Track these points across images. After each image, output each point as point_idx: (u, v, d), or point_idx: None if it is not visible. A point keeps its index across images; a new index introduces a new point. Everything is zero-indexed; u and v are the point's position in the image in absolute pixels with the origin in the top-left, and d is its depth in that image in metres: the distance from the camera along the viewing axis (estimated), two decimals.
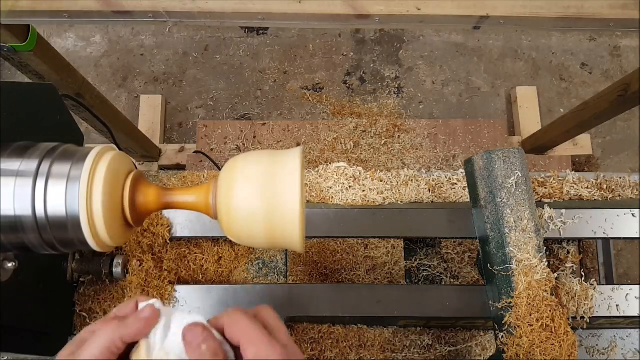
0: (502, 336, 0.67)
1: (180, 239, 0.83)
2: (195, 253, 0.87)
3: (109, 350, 0.38)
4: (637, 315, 0.73)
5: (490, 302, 0.71)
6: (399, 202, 0.83)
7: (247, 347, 0.39)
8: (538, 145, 1.80)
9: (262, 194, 0.42)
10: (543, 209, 0.77)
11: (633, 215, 0.78)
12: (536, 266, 0.67)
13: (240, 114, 2.07)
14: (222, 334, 0.41)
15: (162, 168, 1.87)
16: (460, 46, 2.19)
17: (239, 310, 0.42)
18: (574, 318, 0.72)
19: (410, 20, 1.00)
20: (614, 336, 0.84)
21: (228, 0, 0.99)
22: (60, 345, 0.75)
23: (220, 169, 0.49)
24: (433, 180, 0.86)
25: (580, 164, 1.97)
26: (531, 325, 0.64)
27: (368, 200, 0.83)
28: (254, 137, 1.80)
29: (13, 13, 0.97)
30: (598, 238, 0.78)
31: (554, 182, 0.85)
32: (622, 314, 0.73)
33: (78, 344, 0.39)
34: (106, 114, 1.42)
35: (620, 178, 0.87)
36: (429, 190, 0.85)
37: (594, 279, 0.75)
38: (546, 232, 0.77)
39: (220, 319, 0.41)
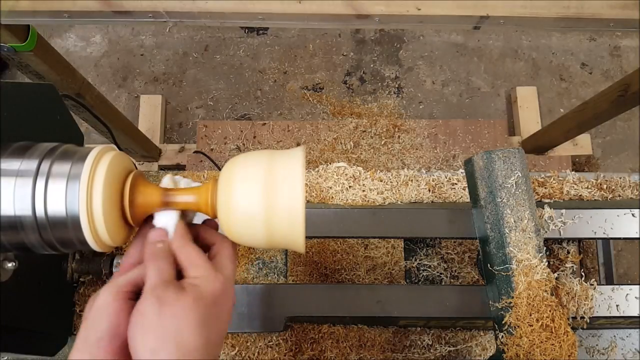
0: (502, 336, 0.67)
1: None
2: None
3: (138, 280, 0.43)
4: (637, 315, 0.73)
5: (490, 302, 0.71)
6: (399, 202, 0.83)
7: (190, 268, 0.43)
8: (538, 145, 1.80)
9: (262, 194, 0.42)
10: (543, 209, 0.77)
11: (633, 215, 0.78)
12: (536, 266, 0.67)
13: (240, 114, 2.07)
14: None
15: (162, 168, 1.87)
16: (460, 46, 2.19)
17: (188, 238, 0.45)
18: (574, 318, 0.72)
19: (410, 20, 1.01)
20: (614, 336, 0.84)
21: (228, 0, 0.99)
22: (61, 345, 0.75)
23: (220, 169, 0.49)
24: (433, 180, 0.86)
25: (580, 164, 1.97)
26: (531, 325, 0.64)
27: (368, 200, 0.83)
28: (254, 137, 1.80)
29: (13, 13, 0.97)
30: (598, 238, 0.78)
31: (554, 182, 0.85)
32: (622, 314, 0.73)
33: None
34: (106, 114, 1.42)
35: (620, 178, 0.87)
36: (429, 190, 0.85)
37: (594, 279, 0.75)
38: (546, 232, 0.77)
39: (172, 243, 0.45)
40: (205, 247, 0.48)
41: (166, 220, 0.46)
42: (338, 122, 1.87)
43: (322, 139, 1.82)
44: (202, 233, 0.48)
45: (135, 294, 0.42)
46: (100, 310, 0.40)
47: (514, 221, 0.69)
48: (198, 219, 0.50)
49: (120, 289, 0.41)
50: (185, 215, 0.48)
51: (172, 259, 0.43)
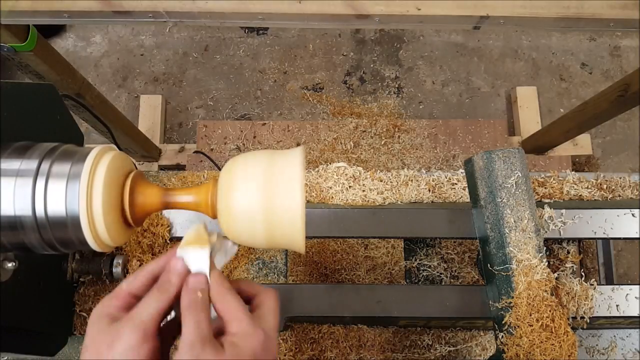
0: (502, 336, 0.67)
1: (180, 239, 0.83)
2: None
3: (162, 311, 0.41)
4: (637, 315, 0.73)
5: (490, 302, 0.71)
6: (399, 202, 0.83)
7: (230, 323, 0.41)
8: (538, 145, 1.80)
9: (262, 194, 0.42)
10: (543, 209, 0.77)
11: (633, 215, 0.78)
12: (536, 266, 0.67)
13: (240, 114, 2.07)
14: None
15: (162, 168, 1.87)
16: (460, 46, 2.19)
17: (227, 287, 0.43)
18: (574, 318, 0.72)
19: (410, 20, 1.01)
20: (614, 336, 0.84)
21: (228, 0, 0.99)
22: (61, 346, 0.75)
23: (220, 169, 0.49)
24: (433, 180, 0.86)
25: (580, 164, 1.97)
26: (531, 325, 0.64)
27: (368, 200, 0.83)
28: (254, 137, 1.80)
29: (13, 13, 0.97)
30: (598, 238, 0.78)
31: (554, 182, 0.85)
32: (622, 314, 0.73)
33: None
34: (106, 114, 1.42)
35: (620, 178, 0.87)
36: (429, 190, 0.85)
37: (594, 279, 0.75)
38: (546, 232, 0.77)
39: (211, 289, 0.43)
40: (246, 299, 0.45)
41: (198, 261, 0.43)
42: (338, 122, 1.86)
43: (322, 139, 1.82)
44: (243, 286, 0.46)
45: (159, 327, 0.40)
46: (131, 353, 0.38)
47: (514, 221, 0.69)
48: (219, 260, 0.46)
49: (148, 329, 0.39)
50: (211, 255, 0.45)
51: (209, 310, 0.42)
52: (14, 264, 0.57)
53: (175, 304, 0.42)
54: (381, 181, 0.85)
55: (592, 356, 0.83)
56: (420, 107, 2.09)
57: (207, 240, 0.44)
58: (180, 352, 0.38)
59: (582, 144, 1.88)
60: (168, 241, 0.82)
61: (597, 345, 0.84)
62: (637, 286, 0.75)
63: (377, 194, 0.83)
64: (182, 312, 0.41)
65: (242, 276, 0.90)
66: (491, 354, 0.81)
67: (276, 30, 2.18)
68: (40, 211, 0.42)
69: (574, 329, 0.67)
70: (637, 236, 0.77)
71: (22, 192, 0.42)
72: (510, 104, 2.08)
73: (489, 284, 0.72)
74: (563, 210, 0.78)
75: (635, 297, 0.74)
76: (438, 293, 0.76)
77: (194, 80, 2.12)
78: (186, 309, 0.40)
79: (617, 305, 0.74)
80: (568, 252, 0.86)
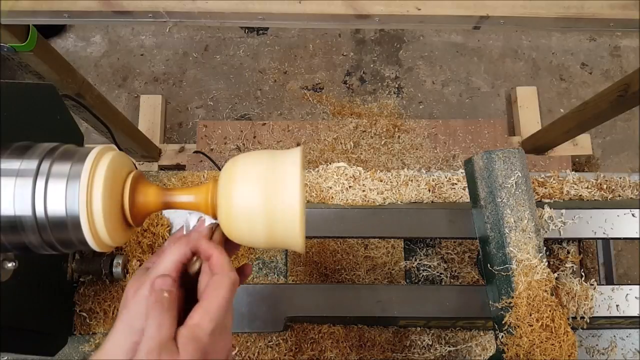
0: (502, 336, 0.67)
1: None
2: None
3: (180, 261, 0.45)
4: (637, 315, 0.73)
5: (490, 302, 0.71)
6: (399, 202, 0.83)
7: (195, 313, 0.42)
8: (538, 145, 1.80)
9: (262, 194, 0.42)
10: (543, 209, 0.77)
11: (633, 215, 0.78)
12: (536, 266, 0.67)
13: (240, 114, 2.07)
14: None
15: (162, 168, 1.87)
16: (460, 46, 2.19)
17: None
18: (574, 318, 0.72)
19: (410, 20, 1.00)
20: (614, 336, 0.84)
21: (228, 0, 0.99)
22: (61, 345, 0.75)
23: (220, 169, 0.49)
24: (433, 180, 0.86)
25: (580, 164, 1.97)
26: (531, 325, 0.64)
27: (368, 200, 0.83)
28: (254, 137, 1.80)
29: (13, 13, 0.97)
30: (598, 238, 0.78)
31: (554, 182, 0.85)
32: (622, 314, 0.73)
33: (150, 262, 0.47)
34: (106, 114, 1.42)
35: (620, 178, 0.87)
36: (429, 190, 0.85)
37: (594, 279, 0.75)
38: (546, 232, 0.77)
39: (209, 250, 0.46)
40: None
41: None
42: (338, 122, 1.86)
43: (322, 139, 1.82)
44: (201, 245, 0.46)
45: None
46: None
47: (514, 221, 0.69)
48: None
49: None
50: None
51: (175, 311, 0.42)
52: (14, 264, 0.57)
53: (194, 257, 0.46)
54: (381, 181, 0.85)
55: (592, 356, 0.83)
56: (420, 107, 2.09)
57: None
58: (139, 353, 0.40)
59: (582, 144, 1.88)
60: None
61: (597, 345, 0.84)
62: (637, 286, 0.75)
63: (377, 194, 0.83)
64: (147, 310, 0.42)
65: None
66: (491, 354, 0.81)
67: (276, 30, 2.18)
68: (40, 211, 0.42)
69: (574, 329, 0.67)
70: (637, 236, 0.77)
71: (22, 192, 0.42)
72: (510, 104, 2.08)
73: (489, 284, 0.72)
74: (563, 210, 0.78)
75: (635, 297, 0.74)
76: (438, 293, 0.76)
77: (194, 80, 2.12)
78: (151, 308, 0.41)
79: (617, 305, 0.74)
80: (568, 252, 0.86)
